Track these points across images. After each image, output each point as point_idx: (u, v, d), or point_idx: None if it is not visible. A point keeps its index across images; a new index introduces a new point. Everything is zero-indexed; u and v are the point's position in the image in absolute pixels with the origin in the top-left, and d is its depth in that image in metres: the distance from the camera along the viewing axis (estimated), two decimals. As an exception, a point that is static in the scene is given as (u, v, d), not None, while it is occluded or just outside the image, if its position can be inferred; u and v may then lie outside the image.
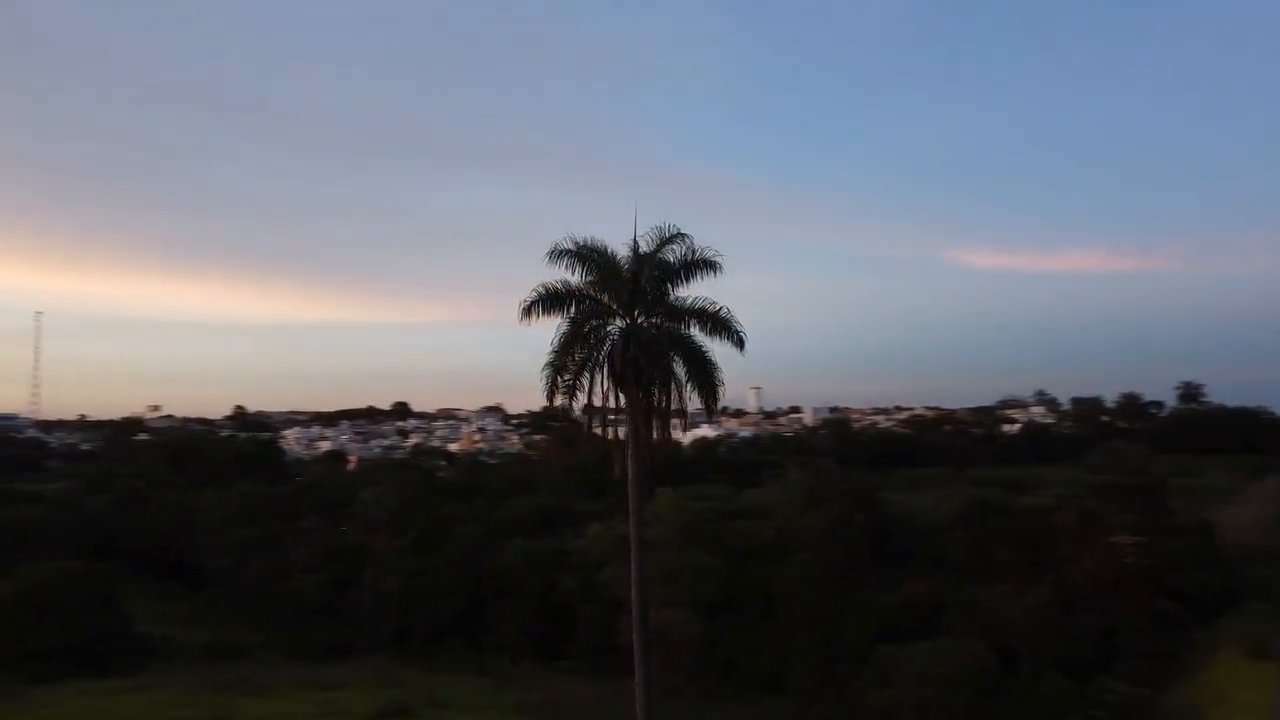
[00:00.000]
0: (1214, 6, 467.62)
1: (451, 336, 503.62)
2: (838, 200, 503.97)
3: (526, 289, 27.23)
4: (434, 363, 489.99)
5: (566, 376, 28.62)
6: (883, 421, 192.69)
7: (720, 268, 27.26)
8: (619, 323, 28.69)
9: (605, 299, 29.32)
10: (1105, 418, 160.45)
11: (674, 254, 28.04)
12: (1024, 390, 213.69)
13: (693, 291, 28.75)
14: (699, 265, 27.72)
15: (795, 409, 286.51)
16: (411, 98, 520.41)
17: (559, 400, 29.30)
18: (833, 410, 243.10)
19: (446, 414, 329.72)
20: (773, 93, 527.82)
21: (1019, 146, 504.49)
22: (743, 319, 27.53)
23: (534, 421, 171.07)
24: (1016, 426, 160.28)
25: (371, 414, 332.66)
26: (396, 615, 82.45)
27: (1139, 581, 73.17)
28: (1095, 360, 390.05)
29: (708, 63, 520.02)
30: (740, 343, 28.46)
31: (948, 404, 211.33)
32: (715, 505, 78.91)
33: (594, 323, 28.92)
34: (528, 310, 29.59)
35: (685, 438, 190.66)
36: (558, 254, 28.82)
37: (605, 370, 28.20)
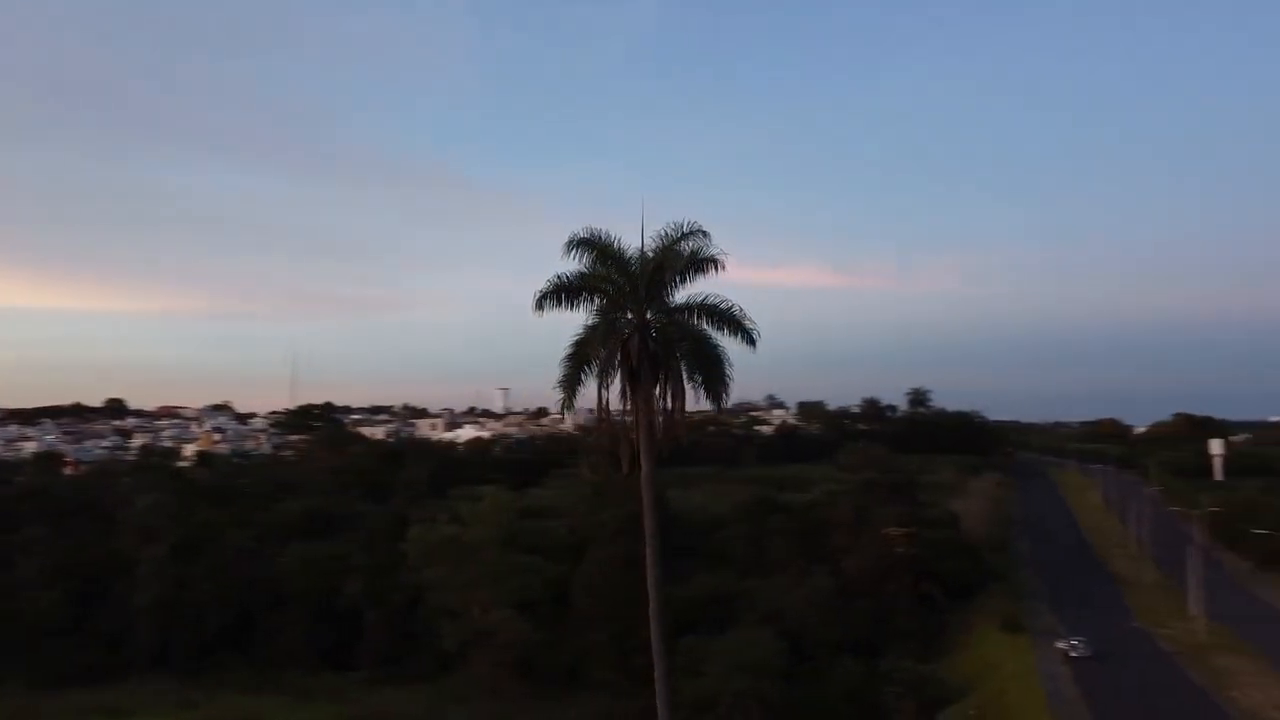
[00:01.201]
0: (911, 48, 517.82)
1: (166, 329, 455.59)
2: (569, 204, 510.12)
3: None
4: (147, 356, 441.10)
5: (587, 371, 27.45)
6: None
7: (723, 265, 26.79)
8: (629, 317, 27.82)
9: (621, 294, 28.23)
10: (847, 420, 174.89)
11: (686, 249, 27.41)
12: (754, 395, 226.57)
13: (691, 288, 28.17)
14: (707, 262, 26.95)
15: (543, 410, 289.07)
16: (130, 69, 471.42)
17: (570, 396, 28.10)
18: (590, 411, 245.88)
19: (168, 412, 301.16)
20: (514, 97, 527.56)
21: (760, 161, 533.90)
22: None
23: (290, 421, 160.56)
24: (770, 428, 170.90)
25: (80, 411, 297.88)
26: (156, 630, 74.32)
27: (906, 569, 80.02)
28: (818, 367, 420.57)
29: (451, 62, 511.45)
30: (752, 340, 27.87)
31: (689, 407, 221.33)
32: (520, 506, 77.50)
33: (614, 316, 28.08)
34: (542, 301, 28.01)
35: (458, 437, 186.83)
36: (574, 244, 27.69)
37: (619, 364, 27.22)
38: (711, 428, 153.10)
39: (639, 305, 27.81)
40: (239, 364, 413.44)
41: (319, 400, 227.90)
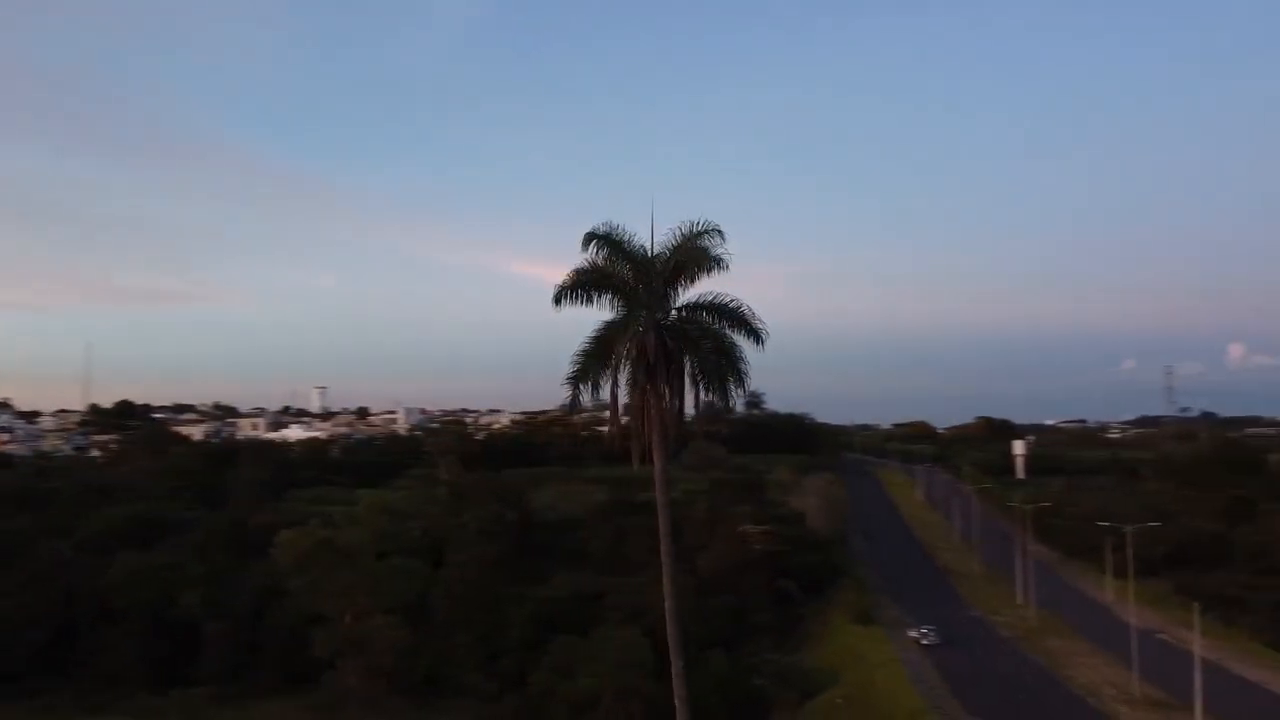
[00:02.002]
0: (735, 50, 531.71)
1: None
2: (392, 202, 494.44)
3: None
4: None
5: (600, 368, 26.34)
6: (497, 423, 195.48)
7: (727, 264, 26.75)
8: (644, 314, 27.16)
9: (636, 290, 27.34)
10: (687, 421, 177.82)
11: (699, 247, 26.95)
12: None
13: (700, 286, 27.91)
14: (718, 261, 26.78)
15: (364, 409, 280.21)
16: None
17: (583, 391, 26.89)
18: (423, 412, 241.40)
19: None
20: (336, 86, 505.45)
21: (580, 160, 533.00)
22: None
23: (98, 420, 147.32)
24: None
25: None
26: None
27: (762, 565, 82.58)
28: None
29: (273, 48, 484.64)
30: (760, 339, 27.70)
31: (535, 407, 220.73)
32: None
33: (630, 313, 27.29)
34: (560, 296, 27.21)
35: (286, 437, 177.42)
36: (592, 238, 26.95)
37: (632, 361, 26.45)
38: (557, 428, 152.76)
39: (655, 302, 27.48)
40: (17, 360, 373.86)
41: (115, 398, 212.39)
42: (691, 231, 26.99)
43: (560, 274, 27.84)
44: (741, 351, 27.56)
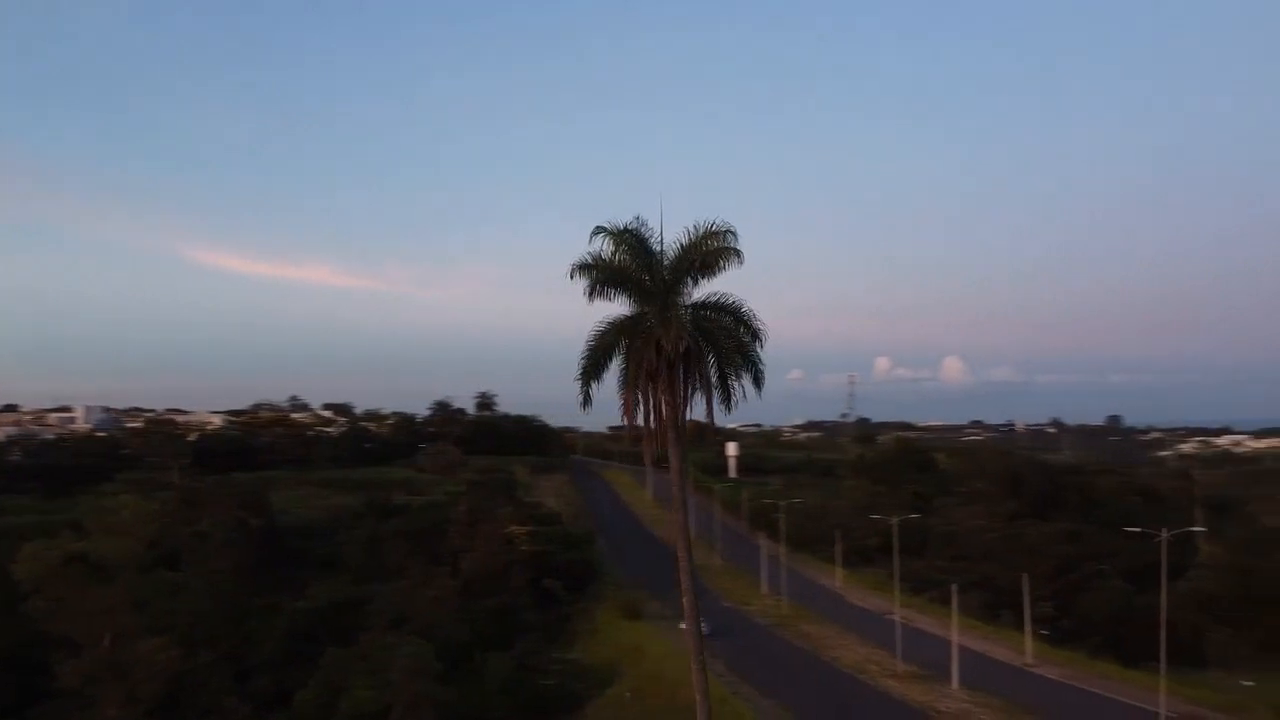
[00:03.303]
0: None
1: None
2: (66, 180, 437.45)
3: None
4: None
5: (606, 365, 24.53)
6: (215, 423, 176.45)
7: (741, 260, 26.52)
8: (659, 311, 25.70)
9: (649, 288, 25.72)
10: (419, 422, 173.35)
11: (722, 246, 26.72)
12: (278, 394, 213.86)
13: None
14: (738, 254, 26.56)
15: (12, 406, 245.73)
16: None
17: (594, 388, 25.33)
18: (107, 410, 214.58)
19: None
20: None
21: (281, 154, 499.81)
22: None
23: None
24: (334, 429, 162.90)
25: None
26: None
27: (525, 565, 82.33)
28: (345, 368, 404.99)
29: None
30: (760, 339, 27.17)
31: (193, 405, 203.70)
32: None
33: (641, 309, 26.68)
34: (575, 275, 26.89)
35: None
36: (604, 233, 26.60)
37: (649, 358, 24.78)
38: (279, 429, 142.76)
39: (669, 299, 26.66)
40: None
41: None
42: (708, 230, 26.94)
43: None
44: (757, 350, 27.78)
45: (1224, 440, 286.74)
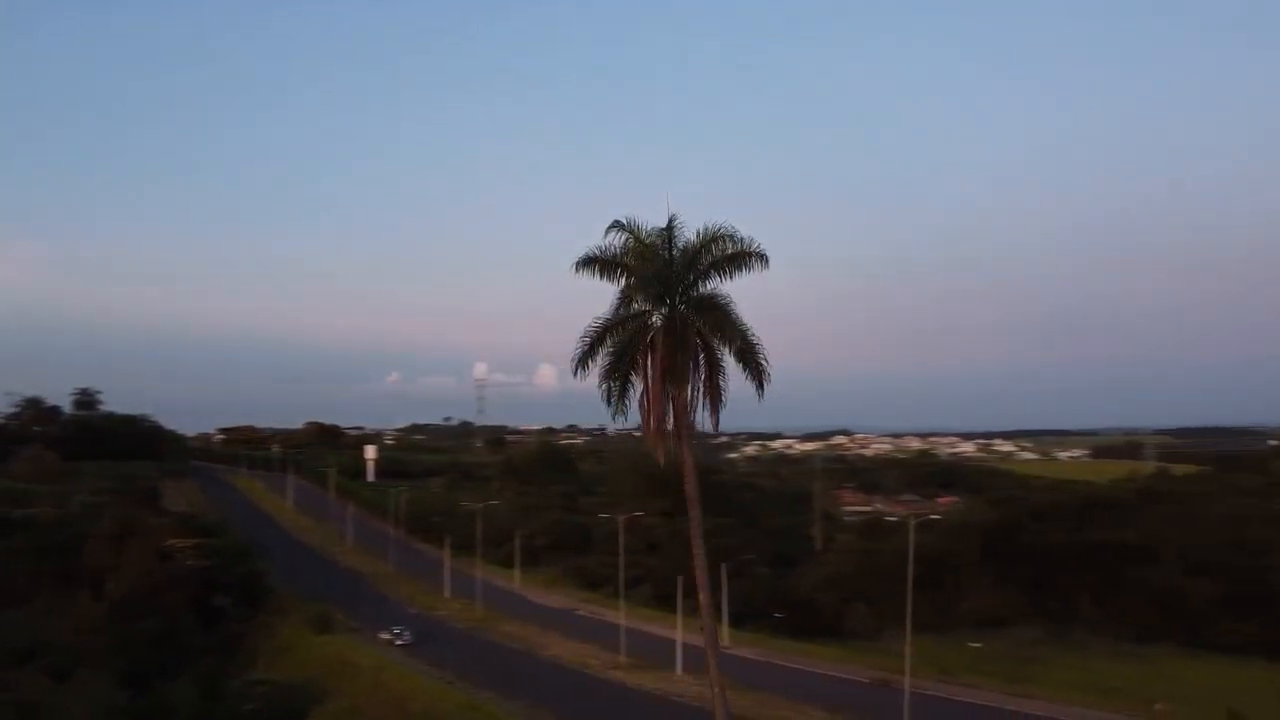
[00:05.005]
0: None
1: None
2: None
3: None
4: None
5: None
6: None
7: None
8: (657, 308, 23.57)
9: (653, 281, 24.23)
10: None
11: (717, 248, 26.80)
12: None
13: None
14: (761, 258, 26.87)
15: None
16: None
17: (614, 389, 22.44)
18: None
19: None
20: None
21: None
22: None
23: None
24: None
25: None
26: None
27: (186, 581, 73.60)
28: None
29: None
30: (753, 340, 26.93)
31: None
32: None
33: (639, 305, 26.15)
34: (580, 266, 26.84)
35: None
36: (614, 228, 26.70)
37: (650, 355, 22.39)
38: None
39: (675, 293, 25.39)
40: None
41: None
42: (712, 231, 26.70)
43: None
44: (762, 346, 27.40)
45: (778, 444, 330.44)
